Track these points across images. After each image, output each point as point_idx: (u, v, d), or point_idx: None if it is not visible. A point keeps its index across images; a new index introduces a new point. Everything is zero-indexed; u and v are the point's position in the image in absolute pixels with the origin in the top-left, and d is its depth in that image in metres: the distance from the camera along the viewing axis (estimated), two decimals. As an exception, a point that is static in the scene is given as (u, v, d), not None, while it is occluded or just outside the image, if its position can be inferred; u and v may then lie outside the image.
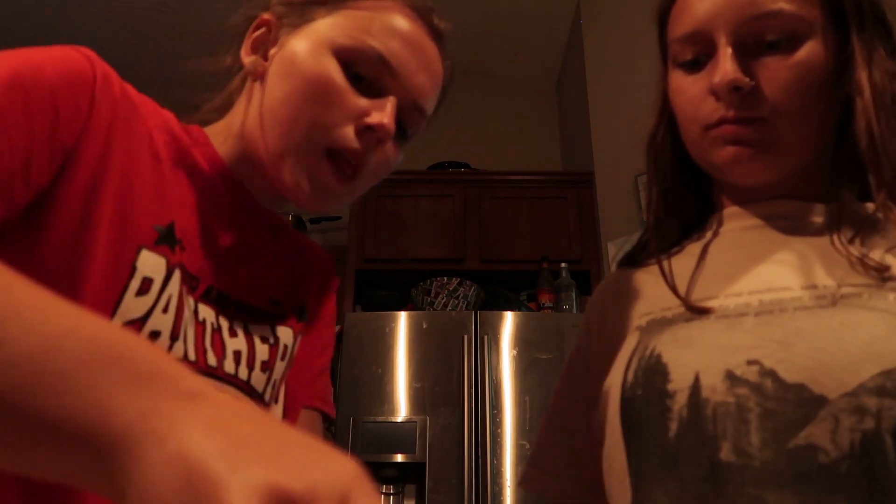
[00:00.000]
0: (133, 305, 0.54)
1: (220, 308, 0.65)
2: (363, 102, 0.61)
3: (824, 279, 0.59)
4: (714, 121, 0.64)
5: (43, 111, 0.49)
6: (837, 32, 0.64)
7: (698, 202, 0.75)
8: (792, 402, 0.54)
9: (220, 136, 0.68)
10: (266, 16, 0.67)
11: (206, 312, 0.63)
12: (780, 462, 0.53)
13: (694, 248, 0.72)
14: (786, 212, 0.67)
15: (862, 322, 0.55)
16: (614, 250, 2.55)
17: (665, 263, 0.68)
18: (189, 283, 0.61)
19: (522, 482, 0.77)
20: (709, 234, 0.72)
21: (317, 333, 0.80)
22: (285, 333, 0.71)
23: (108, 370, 0.29)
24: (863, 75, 0.63)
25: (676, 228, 0.74)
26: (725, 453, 0.55)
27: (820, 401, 0.53)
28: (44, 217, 0.51)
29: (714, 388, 0.57)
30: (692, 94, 0.66)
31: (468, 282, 2.59)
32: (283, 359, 0.71)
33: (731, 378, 0.57)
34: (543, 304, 2.56)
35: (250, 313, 0.68)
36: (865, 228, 0.62)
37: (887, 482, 0.50)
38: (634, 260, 0.77)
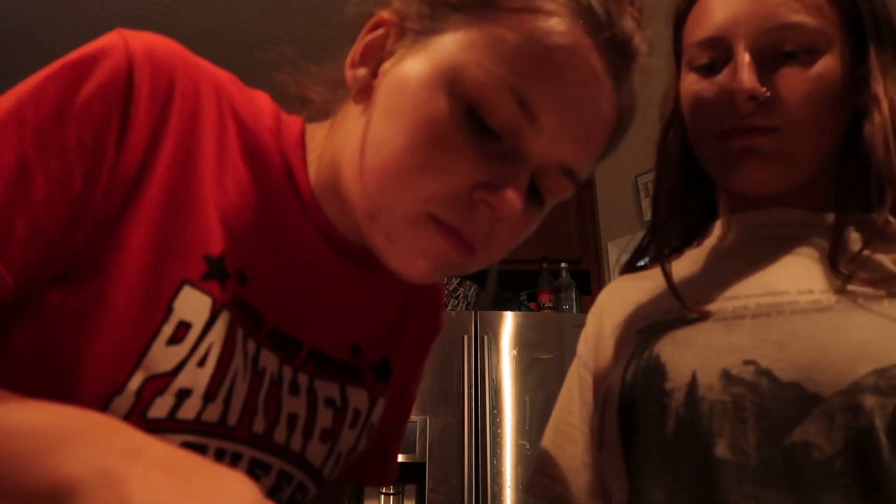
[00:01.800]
0: (162, 356, 0.44)
1: (286, 355, 0.54)
2: (485, 168, 0.46)
3: (821, 285, 0.60)
4: (727, 128, 0.64)
5: (54, 156, 0.42)
6: (853, 46, 0.64)
7: (700, 207, 0.76)
8: (787, 401, 0.54)
9: (316, 148, 0.54)
10: (385, 14, 0.51)
11: (268, 360, 0.52)
12: (775, 459, 0.54)
13: (694, 253, 0.73)
14: (787, 220, 0.68)
15: (856, 324, 0.55)
16: (614, 250, 2.55)
17: (667, 265, 0.68)
18: (252, 322, 0.51)
19: (528, 488, 0.78)
20: (710, 240, 0.72)
21: (408, 397, 0.68)
22: (357, 396, 0.59)
23: (61, 446, 0.34)
24: (879, 89, 0.63)
25: (678, 231, 0.75)
26: (721, 450, 0.56)
27: (815, 399, 0.53)
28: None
29: (710, 386, 0.58)
30: (706, 98, 0.66)
31: (468, 282, 2.59)
32: (353, 427, 0.59)
33: (727, 377, 0.58)
34: (543, 304, 2.56)
35: (321, 364, 0.56)
36: (872, 238, 0.62)
37: (881, 479, 0.51)
38: (634, 265, 0.78)
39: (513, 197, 0.45)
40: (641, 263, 0.77)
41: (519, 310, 2.46)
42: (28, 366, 0.43)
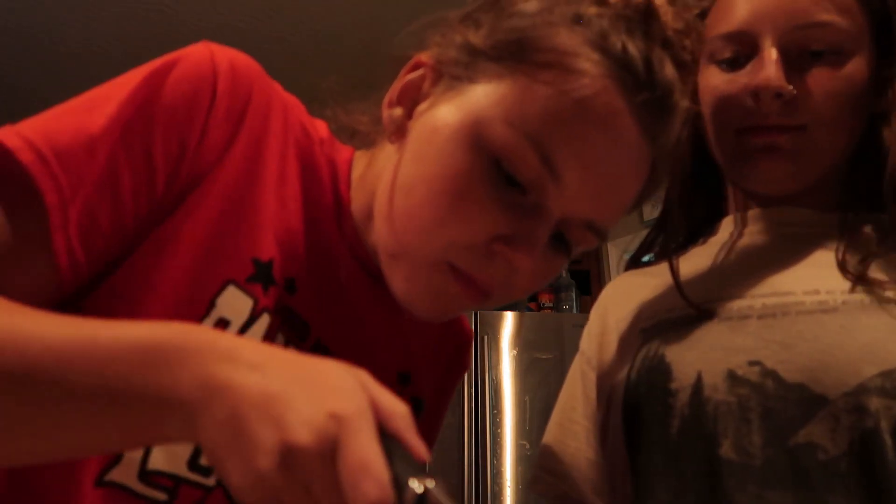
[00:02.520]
0: None
1: None
2: (506, 220, 0.46)
3: (828, 285, 0.59)
4: (748, 125, 0.63)
5: (141, 154, 0.44)
6: (878, 49, 0.64)
7: (706, 205, 0.75)
8: (792, 402, 0.54)
9: (358, 177, 0.55)
10: (424, 56, 0.52)
11: None
12: (779, 460, 0.54)
13: (700, 251, 0.72)
14: (796, 219, 0.67)
15: (862, 326, 0.55)
16: (614, 250, 2.55)
17: (674, 261, 0.68)
18: (297, 330, 0.52)
19: (531, 485, 0.77)
20: (717, 237, 0.72)
21: (432, 434, 0.67)
22: None
23: (161, 364, 0.33)
24: None
25: (684, 227, 0.74)
26: (725, 451, 0.56)
27: (820, 400, 0.53)
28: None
29: (716, 387, 0.58)
30: (727, 93, 0.64)
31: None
32: None
33: (733, 378, 0.57)
34: (543, 304, 2.56)
35: None
36: (881, 239, 0.62)
37: (886, 481, 0.51)
38: (639, 261, 0.77)
39: (527, 256, 0.46)
40: (646, 259, 0.77)
41: (519, 310, 2.46)
42: None
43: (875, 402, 0.52)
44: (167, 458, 0.46)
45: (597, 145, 0.45)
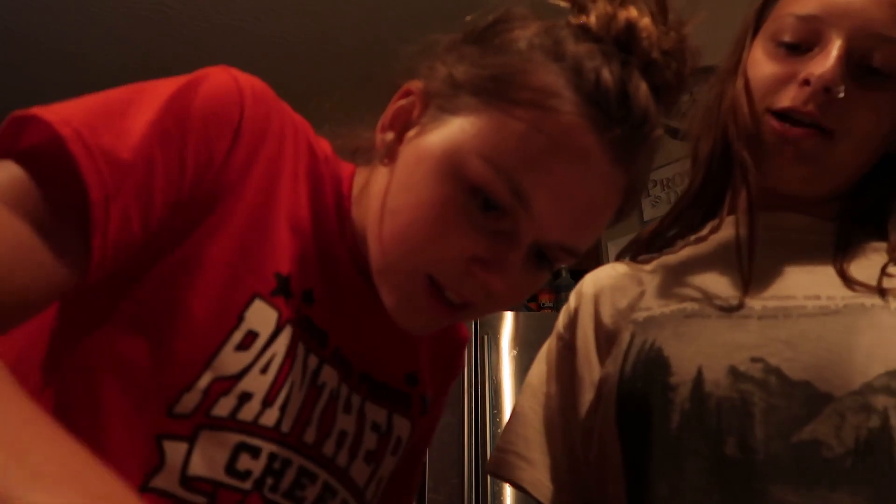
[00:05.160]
0: (230, 360, 0.48)
1: (345, 374, 0.58)
2: (482, 244, 0.49)
3: (828, 291, 0.60)
4: (783, 107, 0.62)
5: (173, 162, 0.46)
6: None
7: (706, 207, 0.74)
8: (797, 399, 0.54)
9: (358, 194, 0.59)
10: (413, 86, 0.54)
11: (329, 376, 0.56)
12: (783, 456, 0.54)
13: (695, 249, 0.72)
14: (795, 225, 0.67)
15: (866, 327, 0.55)
16: (614, 250, 2.55)
17: (691, 249, 0.67)
18: (316, 338, 0.55)
19: (493, 467, 0.74)
20: (716, 236, 0.71)
21: (428, 436, 0.70)
22: (401, 425, 0.63)
23: None
24: None
25: (700, 220, 0.73)
26: (728, 447, 0.56)
27: (826, 398, 0.53)
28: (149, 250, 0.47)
29: (717, 382, 0.58)
30: (775, 72, 0.63)
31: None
32: (393, 453, 0.62)
33: (735, 374, 0.57)
34: (543, 304, 2.56)
35: (374, 390, 0.60)
36: (872, 252, 0.62)
37: (892, 479, 0.51)
38: (642, 252, 0.77)
39: (499, 279, 0.49)
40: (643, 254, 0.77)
41: (519, 310, 2.46)
42: (106, 363, 0.46)
43: (882, 401, 0.52)
44: (206, 463, 0.48)
45: (566, 179, 0.48)
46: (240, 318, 0.49)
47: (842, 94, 0.60)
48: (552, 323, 0.81)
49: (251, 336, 0.49)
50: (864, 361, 0.53)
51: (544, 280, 0.54)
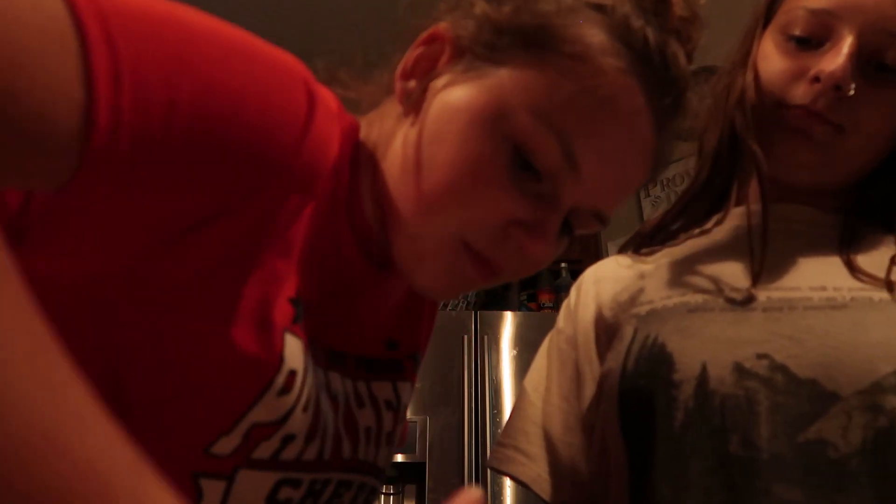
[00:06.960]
0: (272, 406, 0.43)
1: (344, 370, 0.54)
2: (523, 206, 0.46)
3: (834, 282, 0.59)
4: (792, 102, 0.62)
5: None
6: None
7: (711, 200, 0.74)
8: (803, 398, 0.54)
9: (371, 147, 0.52)
10: (441, 28, 0.50)
11: (336, 381, 0.52)
12: (788, 455, 0.53)
13: (697, 242, 0.71)
14: (801, 217, 0.67)
15: (874, 322, 0.55)
16: (614, 249, 2.55)
17: (694, 241, 0.66)
18: (314, 347, 0.50)
19: (492, 461, 0.73)
20: (721, 228, 0.71)
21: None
22: (407, 391, 0.60)
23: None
24: None
25: (706, 211, 0.73)
26: (735, 446, 0.55)
27: (832, 397, 0.53)
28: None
29: (722, 379, 0.57)
30: (785, 67, 0.63)
31: (468, 282, 2.59)
32: (402, 421, 0.61)
33: (740, 370, 0.57)
34: (543, 304, 2.56)
35: (370, 368, 0.57)
36: (878, 244, 0.62)
37: None
38: (641, 245, 0.76)
39: (539, 243, 0.47)
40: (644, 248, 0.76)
41: (519, 310, 2.46)
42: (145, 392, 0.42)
43: (891, 401, 0.51)
44: (244, 500, 0.45)
45: (616, 142, 0.46)
46: (281, 360, 0.44)
47: (852, 92, 0.59)
48: (552, 323, 0.80)
49: (292, 376, 0.44)
50: (872, 359, 0.53)
51: (563, 248, 0.53)
